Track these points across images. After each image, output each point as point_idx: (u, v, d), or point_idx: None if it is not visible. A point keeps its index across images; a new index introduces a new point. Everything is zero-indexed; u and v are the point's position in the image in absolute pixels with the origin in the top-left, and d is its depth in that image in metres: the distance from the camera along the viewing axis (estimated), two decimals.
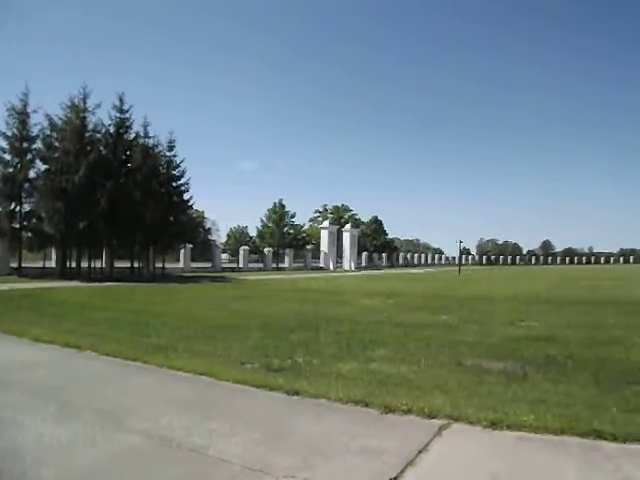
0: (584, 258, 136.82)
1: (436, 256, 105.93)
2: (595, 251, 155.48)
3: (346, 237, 69.96)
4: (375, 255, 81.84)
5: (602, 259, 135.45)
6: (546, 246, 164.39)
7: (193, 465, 4.11)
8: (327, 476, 3.91)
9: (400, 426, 5.01)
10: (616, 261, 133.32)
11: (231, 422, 5.10)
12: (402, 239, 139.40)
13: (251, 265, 53.98)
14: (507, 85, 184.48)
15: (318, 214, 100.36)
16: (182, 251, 44.78)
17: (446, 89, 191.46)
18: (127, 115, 34.88)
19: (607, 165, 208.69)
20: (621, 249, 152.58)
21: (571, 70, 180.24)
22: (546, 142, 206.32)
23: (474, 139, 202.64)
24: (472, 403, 5.52)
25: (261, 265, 55.72)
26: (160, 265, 37.82)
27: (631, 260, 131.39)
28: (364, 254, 76.77)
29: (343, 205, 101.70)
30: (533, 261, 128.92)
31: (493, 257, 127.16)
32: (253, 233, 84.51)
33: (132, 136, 35.35)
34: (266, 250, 58.86)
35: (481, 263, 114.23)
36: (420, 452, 4.30)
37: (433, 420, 5.09)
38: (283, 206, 77.76)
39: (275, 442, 4.57)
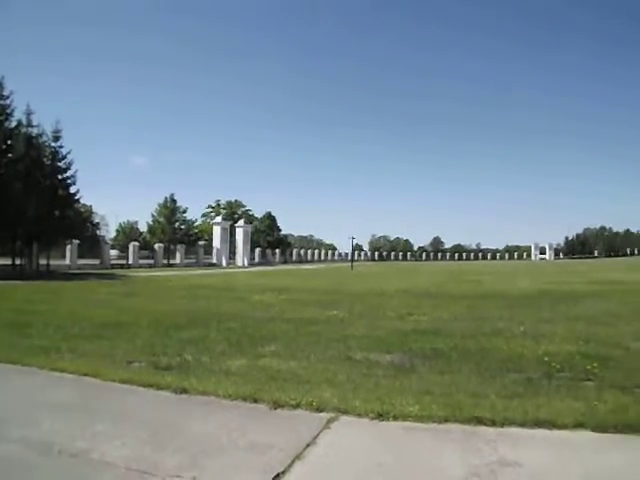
0: (472, 254, 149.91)
1: (329, 252, 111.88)
2: (482, 247, 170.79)
3: (239, 233, 72.97)
4: (269, 251, 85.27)
5: (489, 255, 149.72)
6: (436, 242, 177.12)
7: (75, 471, 4.08)
8: (215, 474, 4.03)
9: (289, 421, 5.26)
10: (502, 257, 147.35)
11: (117, 423, 5.11)
12: (296, 235, 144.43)
13: (141, 262, 54.90)
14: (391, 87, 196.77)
15: (211, 209, 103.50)
16: (68, 247, 44.39)
17: (337, 89, 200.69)
18: (7, 102, 33.69)
19: (494, 164, 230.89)
20: (507, 246, 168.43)
21: (444, 71, 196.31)
22: (435, 142, 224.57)
23: (364, 138, 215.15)
24: (360, 396, 5.91)
25: (152, 261, 56.88)
26: (45, 262, 37.82)
27: (515, 256, 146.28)
28: (257, 250, 79.98)
29: (236, 201, 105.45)
30: (424, 257, 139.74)
31: (385, 253, 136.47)
32: (144, 228, 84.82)
33: (13, 124, 34.37)
34: (157, 246, 59.81)
35: (373, 259, 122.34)
36: (308, 445, 4.56)
37: (321, 414, 5.40)
38: (174, 201, 79.30)
39: (162, 442, 4.64)
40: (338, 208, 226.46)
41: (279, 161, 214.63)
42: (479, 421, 5.10)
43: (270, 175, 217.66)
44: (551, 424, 4.98)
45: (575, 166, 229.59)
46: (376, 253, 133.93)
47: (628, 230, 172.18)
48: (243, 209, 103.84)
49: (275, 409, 5.61)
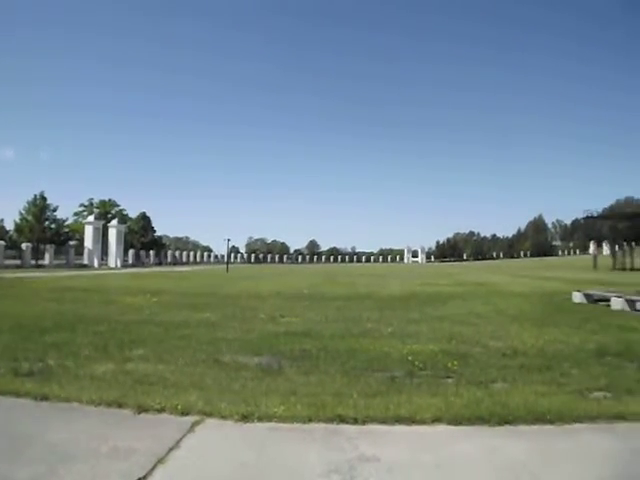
0: (347, 257, 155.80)
1: (205, 254, 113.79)
2: (358, 251, 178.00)
3: (112, 233, 73.26)
4: (143, 253, 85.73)
5: (364, 258, 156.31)
6: (312, 245, 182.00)
7: None
8: None
9: (153, 425, 5.27)
10: (376, 260, 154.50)
11: None
12: (171, 237, 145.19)
13: (7, 262, 54.27)
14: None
15: (83, 208, 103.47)
16: None
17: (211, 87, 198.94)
18: None
19: (368, 170, 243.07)
20: (381, 249, 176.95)
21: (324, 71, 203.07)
22: (309, 147, 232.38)
23: (242, 137, 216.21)
24: (226, 398, 6.02)
25: (19, 262, 56.27)
26: None
27: (389, 259, 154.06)
28: (131, 251, 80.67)
29: (110, 200, 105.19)
30: (300, 260, 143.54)
31: (262, 255, 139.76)
32: (11, 227, 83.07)
33: None
34: (24, 246, 58.91)
35: (250, 261, 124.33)
36: (171, 449, 4.61)
37: (186, 417, 5.47)
38: (44, 198, 77.53)
39: (18, 452, 4.50)
40: (215, 209, 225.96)
41: (154, 160, 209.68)
42: (342, 420, 5.37)
43: (145, 174, 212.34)
44: (410, 420, 5.37)
45: (445, 173, 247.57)
46: (253, 255, 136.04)
47: (495, 235, 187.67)
48: (117, 209, 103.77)
49: (140, 414, 5.61)
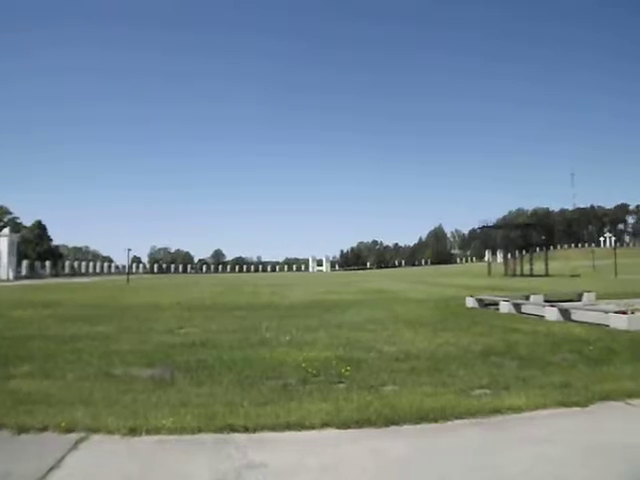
0: (253, 267, 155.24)
1: (105, 265, 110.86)
2: (263, 260, 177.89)
3: (3, 242, 70.61)
4: (38, 263, 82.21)
5: (269, 267, 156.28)
6: (217, 255, 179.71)
7: None
8: None
9: (33, 445, 5.06)
10: (281, 269, 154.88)
11: None
12: (70, 246, 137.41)
13: None
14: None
15: None
16: None
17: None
18: None
19: (273, 181, 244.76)
20: (286, 258, 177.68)
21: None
22: (213, 157, 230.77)
23: (138, 144, 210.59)
24: (114, 412, 5.88)
25: None
26: None
27: (294, 268, 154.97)
28: (25, 262, 77.42)
29: (1, 207, 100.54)
30: (204, 269, 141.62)
31: (165, 265, 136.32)
32: None
33: None
34: None
35: (153, 272, 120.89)
36: (52, 469, 4.46)
37: (70, 435, 5.27)
38: None
39: None
40: (116, 218, 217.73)
41: (49, 165, 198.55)
42: (232, 429, 5.40)
43: (39, 181, 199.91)
44: (300, 426, 5.49)
45: (349, 184, 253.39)
46: (155, 266, 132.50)
47: (397, 244, 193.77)
48: (9, 216, 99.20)
49: (20, 434, 5.36)
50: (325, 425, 5.52)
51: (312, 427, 5.48)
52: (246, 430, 5.37)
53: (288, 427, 5.47)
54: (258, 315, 17.41)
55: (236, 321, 15.61)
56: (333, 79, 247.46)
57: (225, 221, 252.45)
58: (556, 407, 6.16)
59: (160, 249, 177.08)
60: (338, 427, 5.51)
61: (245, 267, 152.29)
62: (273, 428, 5.43)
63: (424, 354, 9.65)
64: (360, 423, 5.59)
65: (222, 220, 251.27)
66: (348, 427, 5.51)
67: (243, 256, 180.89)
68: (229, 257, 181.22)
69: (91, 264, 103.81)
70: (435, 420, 5.70)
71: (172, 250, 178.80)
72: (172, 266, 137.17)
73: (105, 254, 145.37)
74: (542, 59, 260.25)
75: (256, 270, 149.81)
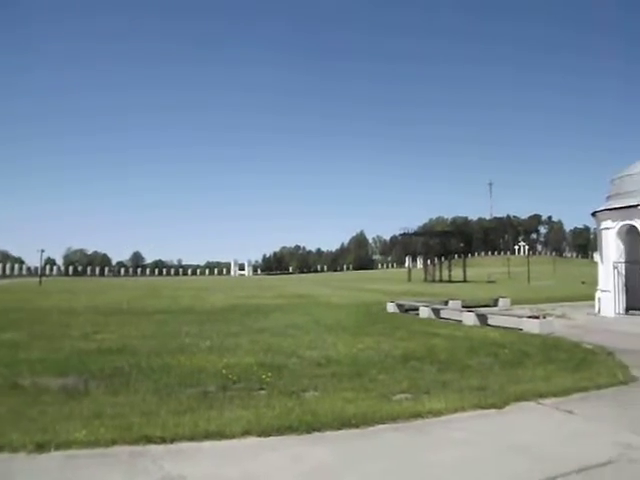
0: (173, 270, 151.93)
1: (16, 266, 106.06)
2: (184, 263, 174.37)
3: None
4: None
5: (190, 271, 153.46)
6: (136, 257, 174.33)
7: None
8: None
9: None
10: (202, 273, 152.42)
11: None
12: None
13: None
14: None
15: None
16: None
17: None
18: None
19: (192, 181, 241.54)
20: (208, 262, 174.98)
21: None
22: (135, 157, 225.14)
23: (51, 139, 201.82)
24: (20, 427, 5.46)
25: None
26: None
27: (216, 272, 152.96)
28: None
29: None
30: (122, 272, 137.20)
31: (81, 268, 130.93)
32: None
33: None
34: None
35: (68, 274, 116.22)
36: None
37: None
38: None
39: None
40: (29, 216, 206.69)
41: None
42: (149, 440, 5.18)
43: None
44: (220, 435, 5.35)
45: (272, 188, 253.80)
46: (71, 268, 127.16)
47: (319, 249, 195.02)
48: None
49: None
50: (246, 433, 5.42)
51: (232, 436, 5.35)
52: (163, 441, 5.18)
53: (207, 436, 5.32)
54: (178, 320, 17.05)
55: (155, 326, 15.19)
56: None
57: (145, 223, 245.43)
58: (474, 409, 6.35)
59: (76, 250, 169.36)
60: (259, 435, 5.41)
61: (165, 270, 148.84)
62: (192, 438, 5.26)
63: (345, 359, 9.70)
64: (281, 430, 5.52)
65: (142, 222, 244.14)
66: (269, 435, 5.43)
67: (163, 259, 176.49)
68: (149, 260, 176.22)
69: (0, 265, 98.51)
70: (357, 425, 5.72)
71: (89, 252, 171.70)
72: (89, 268, 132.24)
73: (16, 255, 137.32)
74: (465, 78, 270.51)
75: (176, 274, 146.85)
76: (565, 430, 5.69)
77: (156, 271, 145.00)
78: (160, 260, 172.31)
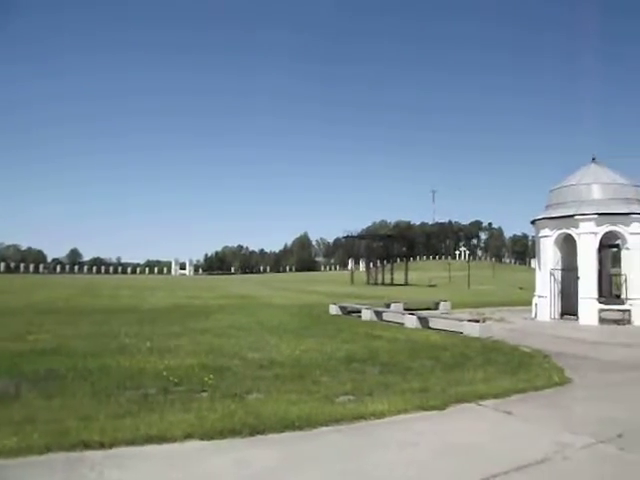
0: (112, 268, 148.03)
1: None
2: (123, 261, 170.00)
3: None
4: None
5: (129, 269, 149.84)
6: (74, 254, 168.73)
7: None
8: None
9: None
10: (142, 271, 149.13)
11: None
12: None
13: None
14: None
15: None
16: None
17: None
18: None
19: (133, 179, 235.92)
20: (148, 260, 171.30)
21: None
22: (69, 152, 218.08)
23: None
24: None
25: None
26: None
27: (156, 271, 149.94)
28: None
29: None
30: (59, 270, 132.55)
31: (14, 265, 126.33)
32: None
33: None
34: None
35: None
36: None
37: None
38: None
39: None
40: None
41: None
42: (86, 445, 4.99)
43: None
44: (161, 438, 5.21)
45: (215, 188, 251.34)
46: (2, 264, 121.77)
47: (262, 249, 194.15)
48: None
49: None
50: (188, 437, 5.30)
51: (174, 439, 5.22)
52: (102, 446, 4.99)
53: (148, 440, 5.17)
54: (117, 320, 16.58)
55: (92, 326, 14.74)
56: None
57: (82, 219, 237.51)
58: (416, 411, 6.44)
59: (9, 246, 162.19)
60: (201, 438, 5.31)
61: (104, 268, 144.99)
62: (132, 442, 5.10)
63: (288, 361, 9.67)
64: (224, 433, 5.44)
65: (79, 218, 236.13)
66: (212, 438, 5.33)
67: (102, 257, 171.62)
68: (86, 257, 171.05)
69: None
70: (300, 428, 5.70)
71: (23, 248, 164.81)
72: (22, 265, 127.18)
73: None
74: (409, 81, 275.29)
75: (115, 272, 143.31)
76: (504, 430, 5.86)
77: (94, 269, 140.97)
78: (99, 258, 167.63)
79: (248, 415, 5.97)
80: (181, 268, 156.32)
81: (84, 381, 7.66)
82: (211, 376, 7.90)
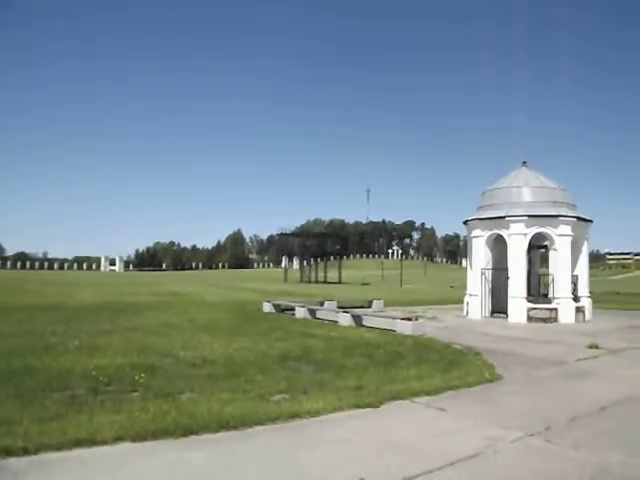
0: (38, 263, 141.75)
1: None
2: (50, 257, 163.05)
3: None
4: None
5: (56, 265, 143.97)
6: None
7: None
8: None
9: None
10: (70, 267, 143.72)
11: None
12: None
13: None
14: None
15: None
16: None
17: None
18: None
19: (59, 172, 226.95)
20: (76, 256, 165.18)
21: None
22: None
23: None
24: None
25: None
26: None
27: (85, 267, 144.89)
28: None
29: None
30: None
31: None
32: None
33: None
34: None
35: None
36: None
37: None
38: None
39: None
40: None
41: None
42: (9, 452, 4.68)
43: None
44: (91, 442, 4.98)
45: (146, 183, 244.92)
46: None
47: (195, 246, 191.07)
48: None
49: None
50: (119, 439, 5.09)
51: (104, 442, 5.00)
52: (26, 452, 4.70)
53: (77, 444, 4.92)
54: (42, 317, 15.92)
55: (16, 325, 14.03)
56: None
57: (5, 211, 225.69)
58: (351, 409, 6.45)
59: None
60: (133, 440, 5.11)
61: (29, 263, 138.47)
62: (59, 447, 4.83)
63: (222, 359, 9.51)
64: (157, 434, 5.26)
65: (1, 210, 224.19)
66: (144, 439, 5.15)
67: (26, 251, 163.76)
68: (10, 252, 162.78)
69: None
70: (235, 427, 5.60)
71: None
72: None
73: None
74: (345, 80, 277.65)
75: (42, 267, 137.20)
76: (438, 426, 5.95)
77: (18, 264, 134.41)
78: (23, 252, 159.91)
79: (181, 415, 5.81)
80: (111, 264, 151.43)
81: (7, 383, 7.23)
82: (142, 375, 7.65)
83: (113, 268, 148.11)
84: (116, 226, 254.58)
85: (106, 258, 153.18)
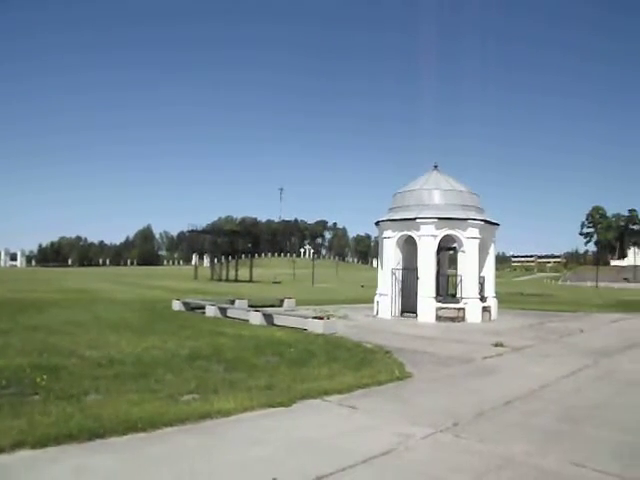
0: None
1: None
2: None
3: None
4: None
5: None
6: None
7: None
8: None
9: None
10: None
11: None
12: None
13: None
14: None
15: None
16: None
17: None
18: None
19: None
20: None
21: None
22: None
23: None
24: None
25: None
26: None
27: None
28: None
29: None
30: None
31: None
32: None
33: None
34: None
35: None
36: None
37: None
38: None
39: None
40: None
41: None
42: None
43: None
44: None
45: (45, 173, 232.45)
46: None
47: (102, 241, 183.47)
48: None
49: None
50: (18, 445, 4.74)
51: (2, 449, 4.64)
52: None
53: None
54: None
55: None
56: None
57: None
58: (263, 408, 6.38)
59: None
60: (34, 447, 4.77)
61: None
62: None
63: (129, 359, 9.17)
64: (60, 439, 4.95)
65: None
66: (46, 445, 4.83)
67: None
68: None
69: None
70: (144, 429, 5.39)
71: None
72: None
73: None
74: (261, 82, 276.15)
75: None
76: (349, 424, 6.00)
77: None
78: None
79: (86, 418, 5.51)
80: (12, 259, 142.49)
81: None
82: (44, 377, 7.21)
83: (14, 263, 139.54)
84: (18, 219, 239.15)
85: (6, 252, 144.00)
